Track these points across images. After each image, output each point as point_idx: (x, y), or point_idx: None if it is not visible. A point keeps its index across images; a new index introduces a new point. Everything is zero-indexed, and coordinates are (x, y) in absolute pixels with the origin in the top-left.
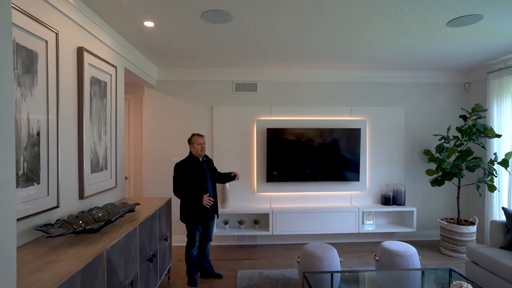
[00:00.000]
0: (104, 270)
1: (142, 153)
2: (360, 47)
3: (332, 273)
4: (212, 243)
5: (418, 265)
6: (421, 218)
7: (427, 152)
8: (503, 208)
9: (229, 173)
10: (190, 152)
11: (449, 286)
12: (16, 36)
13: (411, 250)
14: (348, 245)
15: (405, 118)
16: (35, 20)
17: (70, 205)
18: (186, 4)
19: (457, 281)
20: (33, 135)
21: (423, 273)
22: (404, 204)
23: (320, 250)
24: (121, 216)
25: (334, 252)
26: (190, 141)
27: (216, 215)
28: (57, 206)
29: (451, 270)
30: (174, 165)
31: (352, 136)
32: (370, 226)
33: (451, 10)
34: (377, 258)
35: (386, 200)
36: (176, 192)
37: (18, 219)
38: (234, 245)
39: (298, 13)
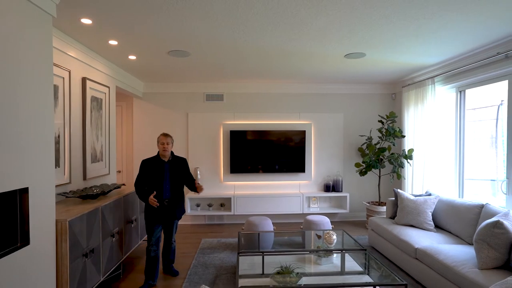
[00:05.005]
0: (100, 218)
1: (133, 151)
2: (293, 69)
3: (259, 232)
4: (186, 222)
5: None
6: (354, 202)
7: (360, 149)
8: (394, 190)
9: (194, 183)
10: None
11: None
12: None
13: (324, 219)
14: (295, 223)
15: (343, 122)
16: (58, 66)
17: (77, 183)
18: (156, 47)
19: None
20: (56, 137)
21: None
22: (341, 191)
23: (258, 220)
24: (110, 190)
25: (269, 221)
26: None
27: (177, 217)
28: (69, 182)
29: (343, 231)
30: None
31: (301, 136)
32: (315, 209)
33: (341, 49)
34: (302, 227)
35: (327, 188)
36: (135, 187)
37: None
38: (205, 224)
39: (232, 51)
